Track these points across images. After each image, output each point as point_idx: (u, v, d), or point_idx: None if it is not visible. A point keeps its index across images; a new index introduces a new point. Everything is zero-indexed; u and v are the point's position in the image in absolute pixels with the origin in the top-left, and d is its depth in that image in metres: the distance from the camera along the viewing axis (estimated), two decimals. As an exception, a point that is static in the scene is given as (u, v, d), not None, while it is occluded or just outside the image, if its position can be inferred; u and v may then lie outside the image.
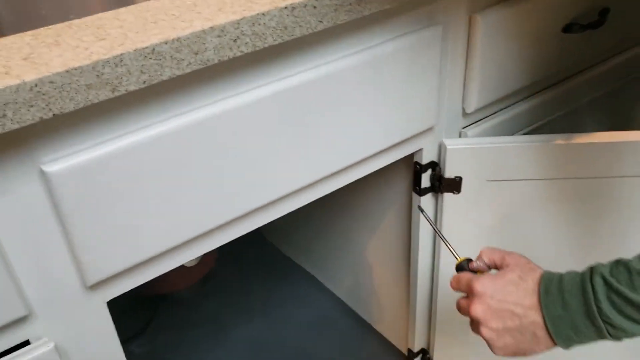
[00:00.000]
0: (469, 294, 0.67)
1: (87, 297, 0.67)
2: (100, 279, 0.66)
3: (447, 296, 1.05)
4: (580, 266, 0.95)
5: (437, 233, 0.85)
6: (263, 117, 0.69)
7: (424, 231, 1.01)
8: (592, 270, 0.59)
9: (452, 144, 0.90)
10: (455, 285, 0.70)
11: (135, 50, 0.55)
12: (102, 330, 0.70)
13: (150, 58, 0.56)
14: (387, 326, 1.29)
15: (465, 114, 0.93)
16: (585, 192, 0.93)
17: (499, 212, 0.96)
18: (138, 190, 0.63)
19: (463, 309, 0.68)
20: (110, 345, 0.72)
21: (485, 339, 0.65)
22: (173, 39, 0.56)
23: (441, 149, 0.92)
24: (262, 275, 1.48)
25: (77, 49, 0.55)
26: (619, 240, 0.97)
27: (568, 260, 0.99)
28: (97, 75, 0.53)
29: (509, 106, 0.99)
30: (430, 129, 0.90)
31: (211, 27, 0.58)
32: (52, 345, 0.65)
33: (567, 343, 0.61)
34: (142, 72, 0.56)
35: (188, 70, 0.58)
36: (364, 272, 1.27)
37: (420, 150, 0.92)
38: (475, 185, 0.93)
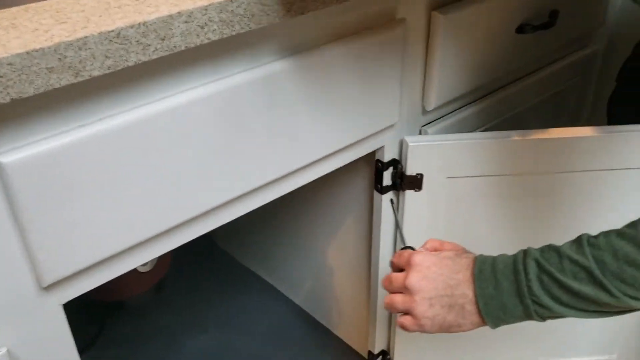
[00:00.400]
0: (407, 267, 0.69)
1: (42, 298, 0.63)
2: (57, 279, 0.62)
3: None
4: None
5: (396, 220, 0.89)
6: (224, 112, 0.67)
7: (386, 231, 1.01)
8: (525, 252, 0.63)
9: (414, 141, 0.91)
10: (396, 260, 0.72)
11: (100, 34, 0.52)
12: (58, 334, 0.66)
13: (116, 42, 0.53)
14: (347, 330, 1.28)
15: (425, 112, 0.94)
16: (543, 187, 0.95)
17: (459, 209, 0.97)
18: (100, 184, 0.61)
19: (396, 282, 0.69)
20: (67, 351, 0.68)
21: (415, 311, 0.66)
22: (139, 23, 0.54)
23: (403, 146, 0.92)
24: (216, 284, 1.44)
25: (36, 31, 0.52)
26: (575, 233, 1.00)
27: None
28: (59, 59, 0.51)
29: (467, 104, 1.00)
30: (391, 127, 0.90)
31: (178, 12, 0.56)
32: (4, 350, 0.61)
33: (495, 322, 0.64)
34: (106, 56, 0.53)
35: (154, 57, 0.56)
36: (322, 276, 1.26)
37: (382, 147, 0.92)
38: (436, 182, 0.94)
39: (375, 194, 0.98)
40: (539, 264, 0.61)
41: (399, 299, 0.68)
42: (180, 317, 1.35)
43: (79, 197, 0.59)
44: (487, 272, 0.64)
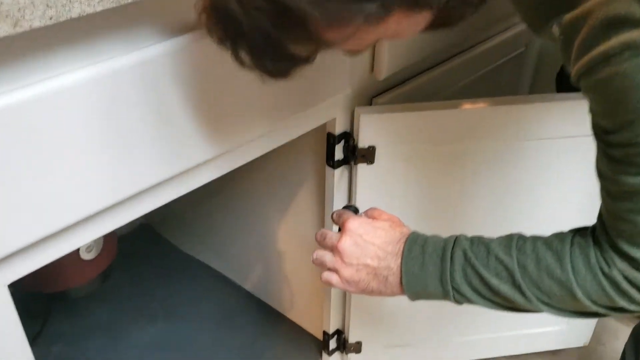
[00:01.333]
0: (342, 230, 0.72)
1: (-18, 279, 0.58)
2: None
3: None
4: (493, 228, 0.98)
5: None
6: (173, 73, 0.64)
7: (338, 208, 1.00)
8: (455, 241, 0.66)
9: (365, 112, 0.90)
10: (336, 218, 0.76)
11: (39, -20, 0.48)
12: (3, 318, 0.61)
13: (57, -10, 0.50)
14: (300, 313, 1.26)
15: (375, 82, 0.93)
16: (495, 155, 0.96)
17: (411, 180, 0.97)
18: (42, 154, 0.57)
19: (329, 240, 0.72)
20: (14, 336, 0.63)
21: (341, 273, 0.71)
22: (83, -29, 0.51)
23: (354, 118, 0.91)
24: (161, 275, 1.40)
25: (-33, -22, 0.48)
26: (526, 200, 1.01)
27: (480, 222, 1.02)
28: (-4, 6, 0.47)
29: (418, 74, 1.00)
30: (342, 98, 0.89)
31: (124, -39, 0.53)
32: (-59, 336, 0.56)
33: (415, 297, 0.69)
34: (48, 5, 0.49)
35: (99, 8, 0.53)
36: (273, 259, 1.24)
37: (333, 120, 0.91)
38: (389, 154, 0.93)
39: (327, 169, 0.97)
40: (466, 256, 0.64)
41: (328, 258, 0.72)
42: (126, 309, 1.30)
43: (18, 167, 0.55)
44: (415, 252, 0.67)
